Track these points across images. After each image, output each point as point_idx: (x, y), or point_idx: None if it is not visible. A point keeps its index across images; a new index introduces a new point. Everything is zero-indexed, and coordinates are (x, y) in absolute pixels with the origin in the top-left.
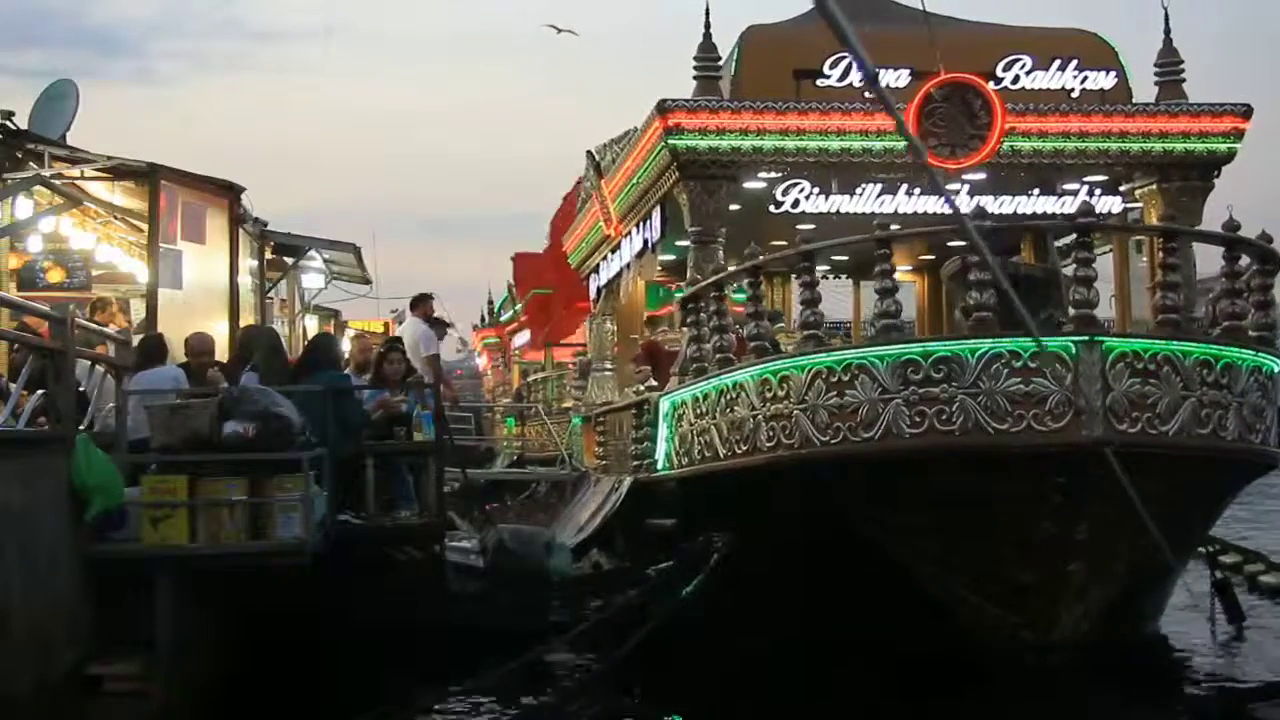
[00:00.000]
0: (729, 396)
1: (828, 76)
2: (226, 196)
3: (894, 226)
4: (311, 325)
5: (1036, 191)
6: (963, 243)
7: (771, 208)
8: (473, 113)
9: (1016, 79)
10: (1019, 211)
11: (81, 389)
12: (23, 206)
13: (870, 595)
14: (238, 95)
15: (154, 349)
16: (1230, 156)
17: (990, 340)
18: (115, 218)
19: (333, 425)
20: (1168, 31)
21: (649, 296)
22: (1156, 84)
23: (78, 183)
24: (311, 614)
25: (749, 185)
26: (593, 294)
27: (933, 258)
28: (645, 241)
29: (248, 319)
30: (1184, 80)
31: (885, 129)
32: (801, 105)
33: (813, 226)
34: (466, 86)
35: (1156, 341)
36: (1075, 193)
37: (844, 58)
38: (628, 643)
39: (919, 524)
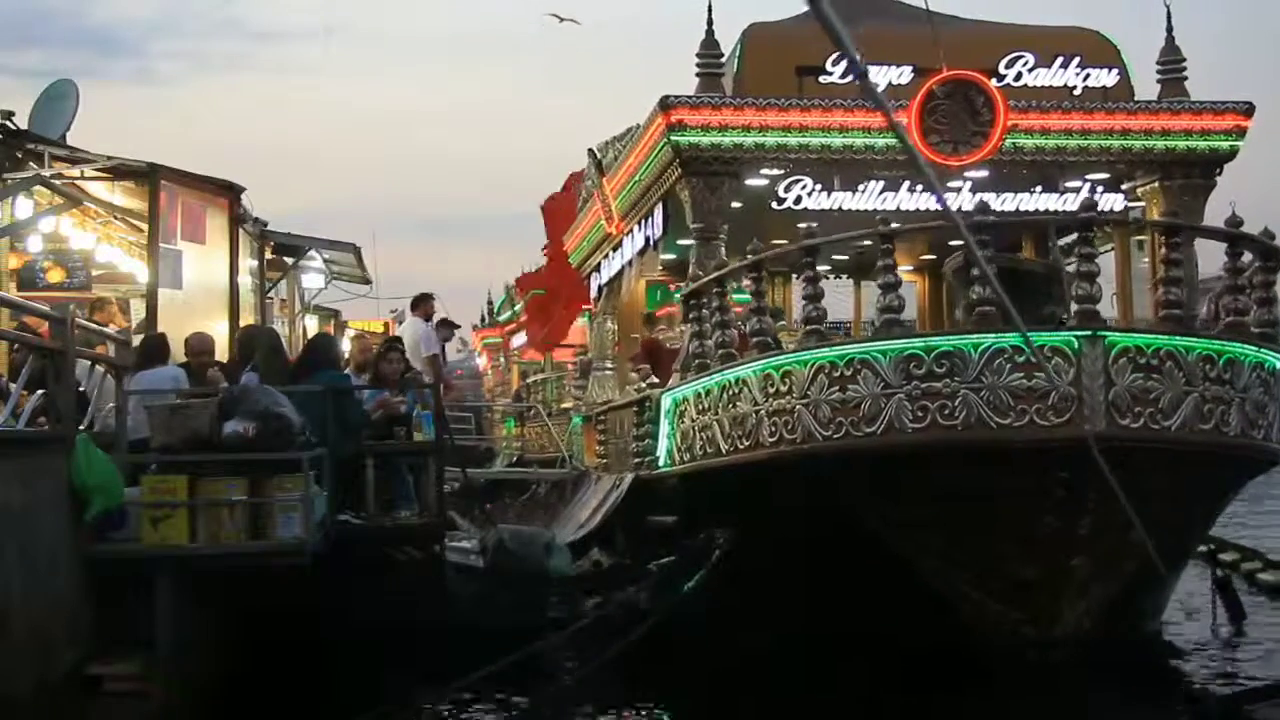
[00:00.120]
0: (731, 392)
1: (830, 73)
2: (226, 196)
3: (894, 224)
4: (311, 325)
5: (1039, 189)
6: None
7: (774, 204)
8: (473, 113)
9: (1019, 76)
10: (1021, 209)
11: (81, 389)
12: (23, 206)
13: (872, 591)
14: (238, 95)
15: (155, 349)
16: (1232, 154)
17: (993, 335)
18: (115, 218)
19: (333, 425)
20: (1170, 29)
21: (649, 297)
22: (1159, 82)
23: (78, 183)
24: (311, 614)
25: (751, 182)
26: (593, 293)
27: (933, 257)
28: (647, 239)
29: (248, 319)
30: (1186, 78)
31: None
32: (804, 102)
33: (815, 225)
34: (466, 86)
35: (1159, 336)
36: (1077, 190)
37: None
38: (628, 639)
39: (921, 519)
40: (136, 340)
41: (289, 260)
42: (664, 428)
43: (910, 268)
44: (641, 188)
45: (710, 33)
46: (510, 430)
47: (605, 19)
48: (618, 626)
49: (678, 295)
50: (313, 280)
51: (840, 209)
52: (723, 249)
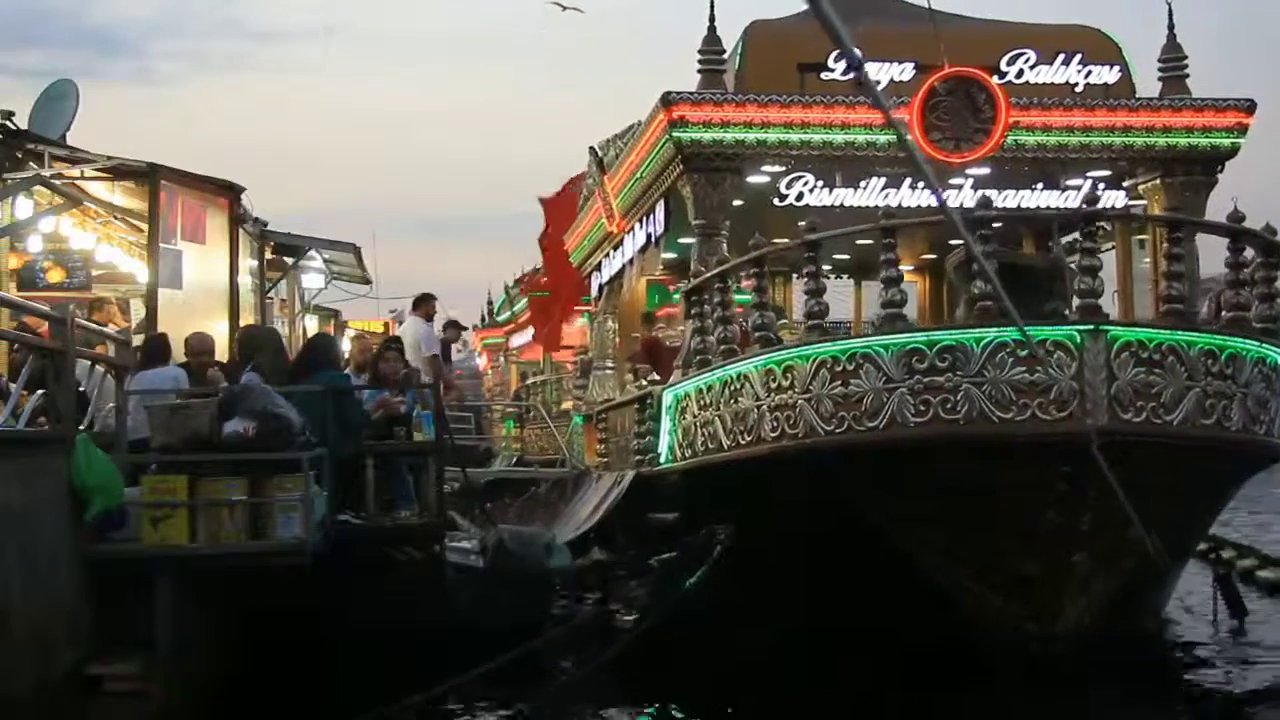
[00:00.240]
0: (733, 387)
1: (832, 70)
2: (226, 196)
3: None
4: (311, 325)
5: (1040, 186)
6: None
7: (775, 201)
8: (473, 113)
9: (1020, 73)
10: (1022, 206)
11: (81, 389)
12: (23, 206)
13: (874, 586)
14: (238, 95)
15: (157, 349)
16: (1234, 151)
17: (995, 329)
18: (115, 218)
19: (333, 425)
20: (1171, 27)
21: (649, 297)
22: (1160, 79)
23: (78, 183)
24: (311, 614)
25: (753, 179)
26: (594, 292)
27: (934, 257)
28: (648, 236)
29: (248, 319)
30: (1188, 76)
31: None
32: (805, 99)
33: (819, 220)
34: (466, 86)
35: (1161, 331)
36: (1079, 188)
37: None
38: (628, 636)
39: (923, 513)
40: (137, 340)
41: (289, 260)
42: (665, 424)
43: (911, 268)
44: (643, 185)
45: (712, 29)
46: (509, 431)
47: (607, 8)
48: (610, 626)
49: (676, 297)
50: (313, 280)
51: (842, 205)
52: (724, 245)
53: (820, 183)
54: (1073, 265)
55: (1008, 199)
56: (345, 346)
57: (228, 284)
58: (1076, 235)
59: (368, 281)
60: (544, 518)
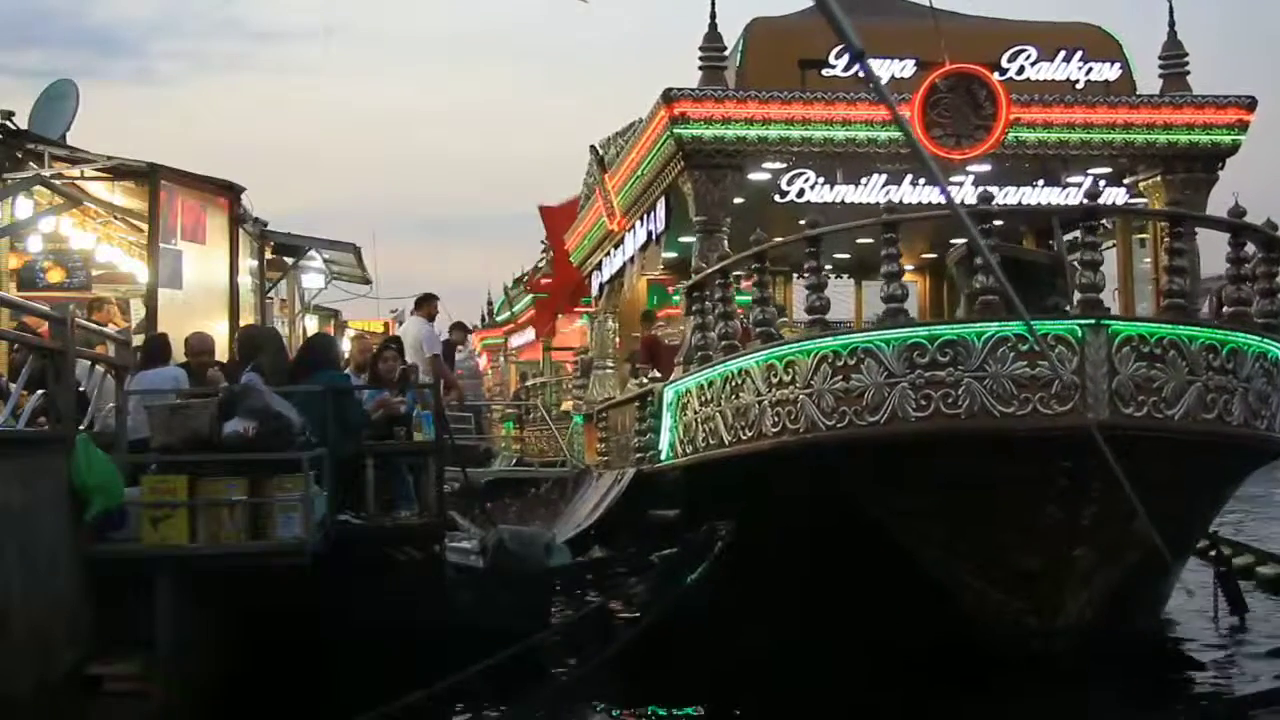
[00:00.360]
0: (734, 383)
1: (833, 66)
2: (226, 196)
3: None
4: (311, 325)
5: (1041, 183)
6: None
7: (776, 198)
8: (473, 113)
9: (1021, 70)
10: (1023, 203)
11: (81, 389)
12: (23, 206)
13: (875, 581)
14: (238, 95)
15: (158, 349)
16: (1234, 148)
17: (996, 324)
18: (115, 218)
19: (333, 425)
20: (1172, 24)
21: (650, 298)
22: (1160, 76)
23: (78, 183)
24: (311, 614)
25: (754, 176)
26: (594, 291)
27: (934, 256)
28: (649, 233)
29: (248, 319)
30: (1188, 72)
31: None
32: (807, 95)
33: (821, 217)
34: (466, 86)
35: (1162, 325)
36: (1079, 185)
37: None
38: (629, 634)
39: (924, 508)
40: (137, 340)
41: (289, 260)
42: (666, 421)
43: (911, 267)
44: (644, 182)
45: (713, 26)
46: (509, 431)
47: (607, 8)
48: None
49: (676, 298)
50: (313, 280)
51: (843, 202)
52: (725, 241)
53: (821, 179)
54: (1074, 261)
55: (1008, 196)
56: (345, 346)
57: (228, 284)
58: (1077, 233)
59: (368, 281)
60: (544, 517)
